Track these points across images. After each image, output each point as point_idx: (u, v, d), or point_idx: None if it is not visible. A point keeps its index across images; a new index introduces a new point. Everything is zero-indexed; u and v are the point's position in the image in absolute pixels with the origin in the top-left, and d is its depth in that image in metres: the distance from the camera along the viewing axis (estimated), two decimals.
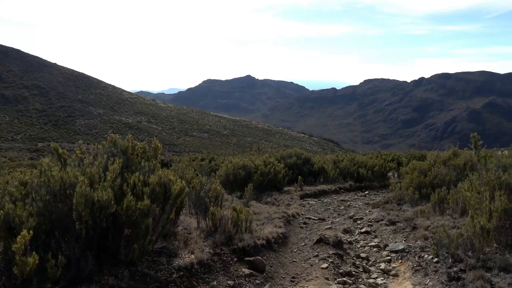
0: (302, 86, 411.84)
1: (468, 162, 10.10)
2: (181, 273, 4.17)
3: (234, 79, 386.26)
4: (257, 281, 4.70)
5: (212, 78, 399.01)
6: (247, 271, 4.79)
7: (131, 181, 4.21)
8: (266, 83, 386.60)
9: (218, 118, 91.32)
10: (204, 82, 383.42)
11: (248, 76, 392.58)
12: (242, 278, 4.65)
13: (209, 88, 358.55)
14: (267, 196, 10.57)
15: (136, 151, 4.80)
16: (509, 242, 5.06)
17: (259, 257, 5.18)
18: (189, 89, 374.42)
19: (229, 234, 5.37)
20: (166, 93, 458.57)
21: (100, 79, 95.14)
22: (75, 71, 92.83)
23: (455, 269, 4.58)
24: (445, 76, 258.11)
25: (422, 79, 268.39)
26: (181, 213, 5.19)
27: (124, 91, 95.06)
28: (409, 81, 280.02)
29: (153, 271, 4.05)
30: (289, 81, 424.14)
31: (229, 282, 4.46)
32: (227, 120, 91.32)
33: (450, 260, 4.84)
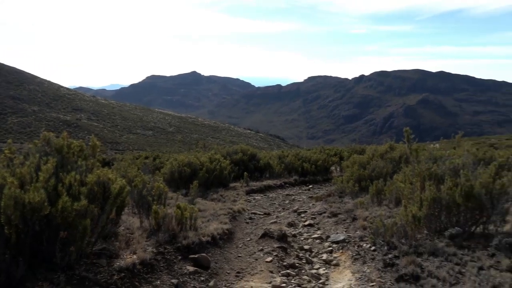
0: (248, 83, 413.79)
1: (403, 155, 10.71)
2: (123, 274, 4.05)
3: (179, 75, 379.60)
4: (202, 278, 4.68)
5: (156, 74, 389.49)
6: (191, 268, 4.75)
7: (66, 181, 4.01)
8: (212, 79, 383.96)
9: (163, 115, 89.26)
10: (147, 78, 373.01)
11: (194, 72, 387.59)
12: (187, 276, 4.61)
13: (153, 84, 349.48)
14: (213, 193, 10.53)
15: (72, 150, 4.57)
16: (438, 229, 5.44)
17: (204, 254, 5.16)
18: (132, 85, 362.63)
19: (173, 232, 5.30)
20: (107, 89, 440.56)
21: (35, 74, 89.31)
22: (6, 65, 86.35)
23: (390, 256, 4.85)
24: (383, 74, 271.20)
25: (362, 76, 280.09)
26: (122, 212, 5.03)
27: (62, 87, 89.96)
28: (350, 78, 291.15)
29: (92, 273, 3.90)
30: (235, 77, 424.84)
31: (173, 280, 4.40)
32: (172, 117, 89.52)
33: (386, 247, 5.12)
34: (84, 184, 4.14)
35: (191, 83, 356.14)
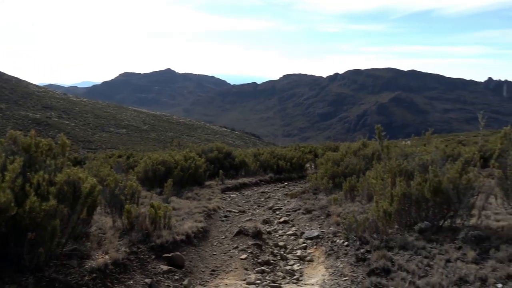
0: (224, 81, 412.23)
1: (375, 152, 10.92)
2: (94, 275, 3.98)
3: (154, 72, 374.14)
4: (176, 277, 4.65)
5: (130, 71, 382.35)
6: (165, 267, 4.72)
7: (34, 181, 3.90)
8: (187, 77, 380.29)
9: (137, 112, 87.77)
10: (121, 75, 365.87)
11: (168, 70, 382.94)
12: (160, 275, 4.57)
13: (127, 81, 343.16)
14: (188, 191, 10.46)
15: (40, 149, 4.45)
16: (408, 223, 5.59)
17: (178, 253, 5.12)
18: (105, 83, 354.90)
19: (147, 231, 5.24)
20: (79, 86, 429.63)
21: (1, 70, 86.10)
22: None
23: (362, 250, 4.95)
24: (356, 72, 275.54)
25: (336, 74, 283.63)
26: (94, 212, 4.93)
27: (31, 84, 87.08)
28: (325, 76, 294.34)
29: (62, 275, 3.81)
30: (211, 75, 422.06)
31: (146, 280, 4.35)
32: (146, 114, 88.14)
33: (358, 242, 5.23)
34: (53, 184, 4.03)
35: (166, 81, 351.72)
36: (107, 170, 7.66)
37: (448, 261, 4.28)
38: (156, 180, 10.89)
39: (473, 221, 5.38)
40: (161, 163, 11.17)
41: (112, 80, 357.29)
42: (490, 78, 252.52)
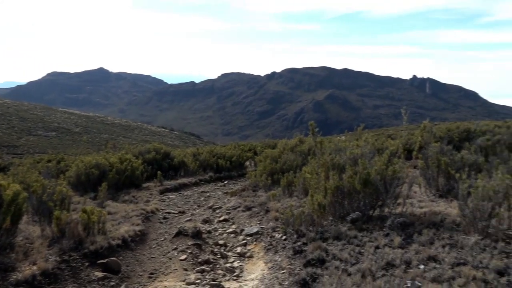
0: (160, 80, 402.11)
1: (312, 147, 11.30)
2: (21, 287, 3.73)
3: (85, 71, 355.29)
4: (112, 283, 4.49)
5: (58, 70, 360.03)
6: (100, 274, 4.53)
7: None
8: (122, 76, 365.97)
9: (67, 114, 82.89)
10: (48, 74, 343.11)
11: (101, 69, 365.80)
12: (95, 282, 4.39)
13: (55, 81, 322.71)
14: (124, 194, 10.12)
15: None
16: (341, 215, 5.87)
17: (114, 258, 4.95)
18: (31, 83, 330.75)
19: (79, 238, 5.00)
20: (1, 87, 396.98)
21: None
22: None
23: (299, 243, 5.12)
24: (293, 71, 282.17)
25: (274, 73, 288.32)
26: (20, 221, 4.62)
27: None
28: (262, 75, 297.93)
29: None
30: (146, 74, 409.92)
31: None
32: (78, 116, 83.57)
33: (295, 236, 5.39)
34: None
35: (99, 80, 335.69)
36: (35, 176, 7.20)
37: (377, 247, 4.55)
38: (89, 185, 10.40)
39: (399, 209, 5.77)
40: (95, 166, 10.70)
41: (39, 80, 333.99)
42: (414, 76, 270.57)
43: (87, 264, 4.69)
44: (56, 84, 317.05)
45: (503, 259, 3.85)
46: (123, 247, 5.57)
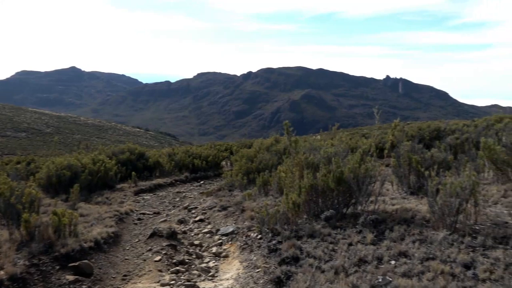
0: (135, 79, 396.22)
1: (287, 147, 11.38)
2: None
3: (56, 70, 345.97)
4: (84, 286, 4.40)
5: (28, 69, 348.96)
6: (71, 277, 4.44)
7: None
8: (95, 75, 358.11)
9: (38, 114, 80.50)
10: (17, 73, 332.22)
11: (73, 68, 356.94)
12: (66, 286, 4.29)
13: (25, 80, 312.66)
14: (97, 196, 9.93)
15: None
16: (316, 213, 5.93)
17: (86, 261, 4.85)
18: None
19: (50, 241, 4.88)
20: None
21: None
22: None
23: (273, 242, 5.15)
24: (269, 71, 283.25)
25: (250, 73, 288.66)
26: None
27: None
28: (239, 74, 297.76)
29: None
30: (121, 73, 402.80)
31: None
32: (49, 116, 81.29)
33: (270, 234, 5.42)
34: None
35: (71, 80, 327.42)
36: (3, 178, 6.97)
37: (350, 244, 4.63)
38: (61, 186, 10.15)
39: (372, 206, 5.88)
40: (66, 167, 10.45)
41: (8, 79, 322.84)
42: (388, 76, 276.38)
43: (57, 267, 4.58)
44: (26, 83, 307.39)
45: (469, 253, 3.99)
46: (96, 250, 5.47)
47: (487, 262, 3.71)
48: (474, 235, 4.39)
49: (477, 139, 9.97)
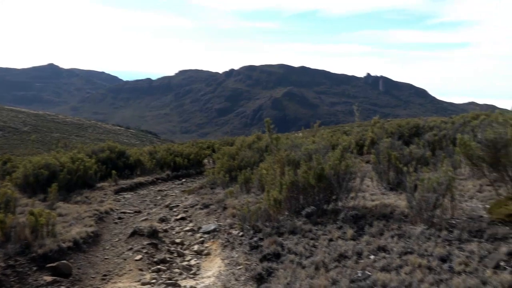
0: (115, 76, 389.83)
1: (269, 144, 11.42)
2: None
3: (34, 67, 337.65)
4: (62, 287, 4.33)
5: (4, 66, 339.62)
6: (49, 278, 4.36)
7: None
8: (74, 72, 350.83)
9: (15, 112, 78.43)
10: None
11: (51, 65, 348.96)
12: (44, 287, 4.21)
13: (1, 78, 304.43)
14: (77, 195, 9.75)
15: None
16: (297, 209, 5.97)
17: (65, 261, 4.77)
18: None
19: (26, 241, 4.78)
20: None
21: None
22: None
23: (255, 239, 5.17)
24: (251, 68, 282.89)
25: (232, 70, 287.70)
26: None
27: None
28: (221, 72, 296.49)
29: None
30: (101, 71, 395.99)
31: None
32: (27, 114, 79.33)
33: (252, 231, 5.44)
34: None
35: (49, 77, 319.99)
36: None
37: (330, 240, 4.69)
38: (39, 186, 9.92)
39: (352, 202, 5.95)
40: (44, 166, 10.23)
41: None
42: (368, 74, 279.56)
43: (35, 268, 4.49)
44: (2, 81, 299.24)
45: (445, 246, 4.08)
46: (75, 250, 5.38)
47: (463, 255, 3.80)
48: (450, 229, 4.49)
49: (454, 136, 10.20)
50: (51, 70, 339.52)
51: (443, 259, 3.82)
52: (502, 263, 3.55)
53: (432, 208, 4.67)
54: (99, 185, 11.31)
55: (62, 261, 4.74)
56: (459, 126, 11.22)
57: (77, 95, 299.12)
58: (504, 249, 3.75)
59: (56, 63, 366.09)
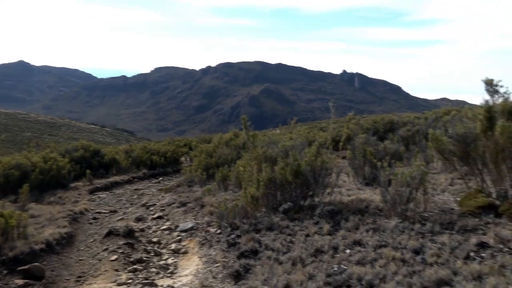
0: (89, 74, 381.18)
1: (246, 141, 11.41)
2: None
3: (3, 65, 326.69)
4: None
5: None
6: (20, 281, 4.24)
7: None
8: (46, 70, 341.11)
9: None
10: None
11: (21, 62, 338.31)
12: None
13: None
14: (50, 196, 9.53)
15: None
16: (274, 206, 6.00)
17: (37, 264, 4.65)
18: None
19: None
20: None
21: None
22: None
23: (232, 236, 5.16)
24: (228, 65, 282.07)
25: (209, 67, 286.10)
26: None
27: None
28: (197, 69, 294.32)
29: None
30: (74, 68, 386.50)
31: None
32: None
33: (229, 229, 5.43)
34: None
35: (19, 74, 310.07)
36: None
37: (307, 235, 4.73)
38: (9, 187, 9.64)
39: (328, 198, 6.02)
40: (15, 167, 9.94)
41: None
42: (344, 71, 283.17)
43: (5, 272, 4.37)
44: None
45: (419, 239, 4.18)
46: (48, 251, 5.26)
47: (435, 247, 3.90)
48: (423, 222, 4.60)
49: (427, 131, 10.45)
50: (22, 67, 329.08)
51: (416, 252, 3.91)
52: (472, 254, 3.67)
53: (406, 202, 4.78)
54: (73, 185, 11.08)
55: (34, 264, 4.62)
56: (432, 122, 11.50)
57: (49, 93, 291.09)
58: (473, 240, 3.86)
59: (26, 60, 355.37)
